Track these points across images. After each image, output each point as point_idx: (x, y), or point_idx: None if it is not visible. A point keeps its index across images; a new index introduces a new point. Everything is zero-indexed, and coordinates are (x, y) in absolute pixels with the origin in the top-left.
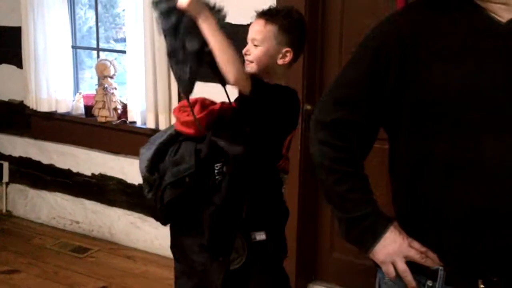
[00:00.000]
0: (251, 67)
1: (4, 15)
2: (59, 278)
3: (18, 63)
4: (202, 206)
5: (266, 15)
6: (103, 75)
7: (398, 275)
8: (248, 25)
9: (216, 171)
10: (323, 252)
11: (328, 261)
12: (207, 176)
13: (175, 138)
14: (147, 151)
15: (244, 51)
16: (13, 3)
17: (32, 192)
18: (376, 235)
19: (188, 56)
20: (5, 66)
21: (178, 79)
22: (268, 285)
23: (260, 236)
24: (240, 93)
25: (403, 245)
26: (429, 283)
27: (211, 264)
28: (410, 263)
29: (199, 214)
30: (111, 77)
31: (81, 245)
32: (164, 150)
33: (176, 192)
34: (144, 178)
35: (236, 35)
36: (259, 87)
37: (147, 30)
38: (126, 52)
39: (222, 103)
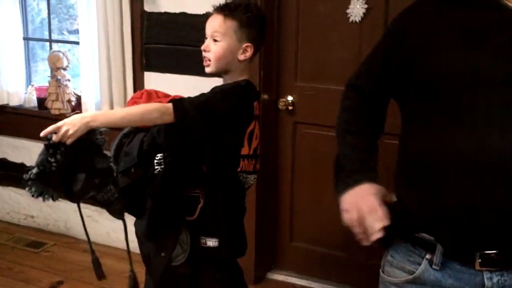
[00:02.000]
0: (211, 67)
1: None
2: (14, 274)
3: None
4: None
5: (224, 10)
6: (56, 67)
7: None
8: (204, 15)
9: (156, 161)
10: (282, 241)
11: (287, 249)
12: (148, 167)
13: (134, 130)
14: (113, 144)
15: (203, 47)
16: None
17: None
18: (348, 185)
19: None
20: None
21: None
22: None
23: (213, 242)
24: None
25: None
26: (428, 256)
27: (154, 258)
28: (410, 235)
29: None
30: (64, 69)
31: (36, 240)
32: (125, 142)
33: (126, 181)
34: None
35: (194, 26)
36: (181, 108)
37: (101, 21)
38: (80, 43)
39: (175, 96)
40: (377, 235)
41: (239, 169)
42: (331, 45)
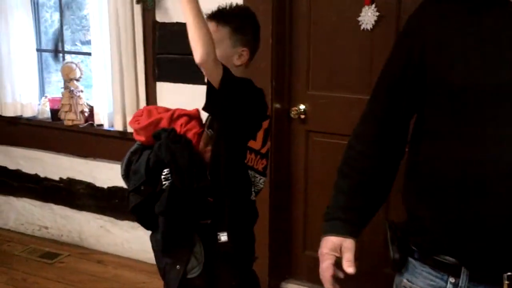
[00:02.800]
0: None
1: None
2: (28, 285)
3: None
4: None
5: (216, 16)
6: (69, 78)
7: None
8: None
9: (163, 177)
10: (296, 250)
11: (301, 259)
12: (156, 183)
13: (141, 147)
14: (123, 161)
15: None
16: None
17: None
18: (325, 231)
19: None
20: None
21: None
22: None
23: (224, 236)
24: (209, 85)
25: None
26: (452, 279)
27: (169, 270)
28: (431, 258)
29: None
30: (77, 80)
31: (51, 251)
32: (133, 159)
33: (137, 199)
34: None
35: None
36: (229, 77)
37: (113, 32)
38: (92, 54)
39: (176, 109)
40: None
41: (246, 162)
42: (343, 53)
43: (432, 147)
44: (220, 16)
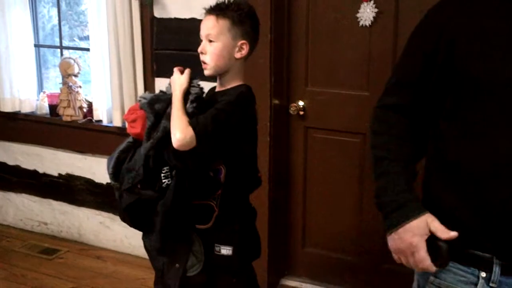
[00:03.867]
0: (209, 69)
1: None
2: (28, 281)
3: None
4: (154, 210)
5: (216, 10)
6: (67, 74)
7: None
8: None
9: (163, 175)
10: (295, 246)
11: (300, 255)
12: (155, 181)
13: (132, 145)
14: (111, 159)
15: (199, 49)
16: None
17: None
18: (389, 226)
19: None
20: None
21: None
22: None
23: (227, 250)
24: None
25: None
26: (483, 274)
27: (168, 270)
28: (462, 253)
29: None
30: (76, 75)
31: (50, 247)
32: (124, 157)
33: (132, 198)
34: (112, 185)
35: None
36: (204, 140)
37: (111, 27)
38: (90, 49)
39: None
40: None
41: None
42: (341, 50)
43: (461, 139)
44: (219, 9)
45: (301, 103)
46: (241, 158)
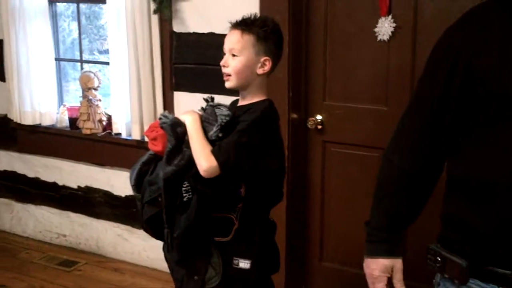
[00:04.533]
0: (231, 81)
1: None
2: None
3: (1, 76)
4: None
5: (241, 25)
6: (87, 87)
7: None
8: None
9: (183, 189)
10: (312, 261)
11: (317, 270)
12: (176, 195)
13: (154, 158)
14: (133, 171)
15: (222, 63)
16: None
17: (18, 206)
18: (365, 251)
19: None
20: None
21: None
22: None
23: (245, 264)
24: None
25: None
26: None
27: (187, 281)
28: (481, 270)
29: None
30: (95, 89)
31: (68, 259)
32: (146, 169)
33: (153, 211)
34: (135, 196)
35: (222, 45)
36: (228, 168)
37: (131, 42)
38: (110, 63)
39: None
40: None
41: None
42: (359, 64)
43: (480, 155)
44: (244, 25)
45: (319, 117)
46: (263, 174)
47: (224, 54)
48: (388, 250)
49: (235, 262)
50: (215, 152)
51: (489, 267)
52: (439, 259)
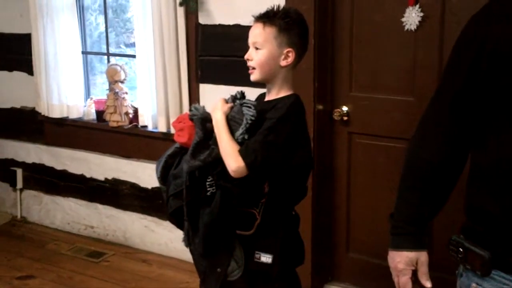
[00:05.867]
0: (255, 74)
1: (13, 22)
2: (74, 283)
3: (29, 70)
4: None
5: (263, 17)
6: (113, 80)
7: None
8: None
9: (207, 183)
10: (339, 252)
11: (344, 261)
12: (200, 189)
13: (179, 151)
14: (159, 163)
15: (246, 56)
16: (22, 10)
17: (46, 198)
18: (390, 244)
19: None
20: (16, 73)
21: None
22: None
23: (266, 258)
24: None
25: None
26: None
27: (210, 274)
28: (504, 261)
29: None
30: (122, 82)
31: (96, 250)
32: (171, 162)
33: (177, 204)
34: (160, 188)
35: (248, 37)
36: (256, 168)
37: (156, 34)
38: (136, 56)
39: None
40: None
41: None
42: (386, 54)
43: (504, 144)
44: (266, 17)
45: (345, 108)
46: (288, 171)
47: (249, 47)
48: (412, 243)
49: (257, 256)
50: (242, 152)
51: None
52: (461, 250)
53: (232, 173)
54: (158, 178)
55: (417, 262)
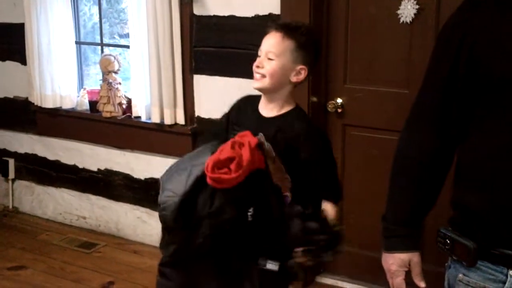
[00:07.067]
0: (262, 82)
1: (7, 12)
2: (66, 274)
3: (22, 60)
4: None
5: (284, 29)
6: (107, 70)
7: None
8: (252, 18)
9: (250, 214)
10: None
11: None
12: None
13: (200, 183)
14: (169, 182)
15: (256, 64)
16: None
17: (38, 188)
18: (382, 246)
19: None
20: (9, 63)
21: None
22: None
23: (272, 266)
24: None
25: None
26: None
27: None
28: (490, 251)
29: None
30: (116, 72)
31: (88, 241)
32: (191, 198)
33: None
34: (165, 219)
35: (243, 28)
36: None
37: (151, 25)
38: (130, 47)
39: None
40: None
41: None
42: (381, 47)
43: (485, 141)
44: (287, 29)
45: (339, 100)
46: None
47: (259, 56)
48: (404, 244)
49: (263, 263)
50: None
51: (498, 249)
52: (448, 241)
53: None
54: (172, 216)
55: (409, 263)
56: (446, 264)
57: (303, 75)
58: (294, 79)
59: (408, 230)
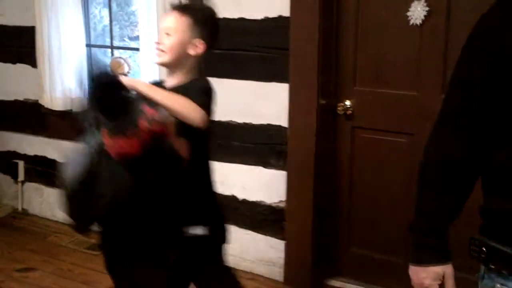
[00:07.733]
0: (163, 57)
1: (18, 15)
2: (75, 276)
3: (33, 63)
4: None
5: (181, 7)
6: (117, 73)
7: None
8: (261, 20)
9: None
10: (340, 247)
11: (345, 255)
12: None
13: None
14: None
15: (156, 41)
16: (27, 2)
17: (48, 190)
18: (411, 258)
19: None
20: (20, 66)
21: None
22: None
23: (200, 231)
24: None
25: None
26: None
27: None
28: (498, 263)
29: None
30: (125, 75)
31: (97, 243)
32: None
33: None
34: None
35: (251, 31)
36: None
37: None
38: (140, 49)
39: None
40: None
41: None
42: (390, 49)
43: None
44: (184, 7)
45: (348, 102)
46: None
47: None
48: (437, 256)
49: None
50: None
51: None
52: (484, 249)
53: (199, 123)
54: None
55: (443, 276)
56: (476, 275)
57: (200, 48)
58: (192, 52)
59: (439, 241)
